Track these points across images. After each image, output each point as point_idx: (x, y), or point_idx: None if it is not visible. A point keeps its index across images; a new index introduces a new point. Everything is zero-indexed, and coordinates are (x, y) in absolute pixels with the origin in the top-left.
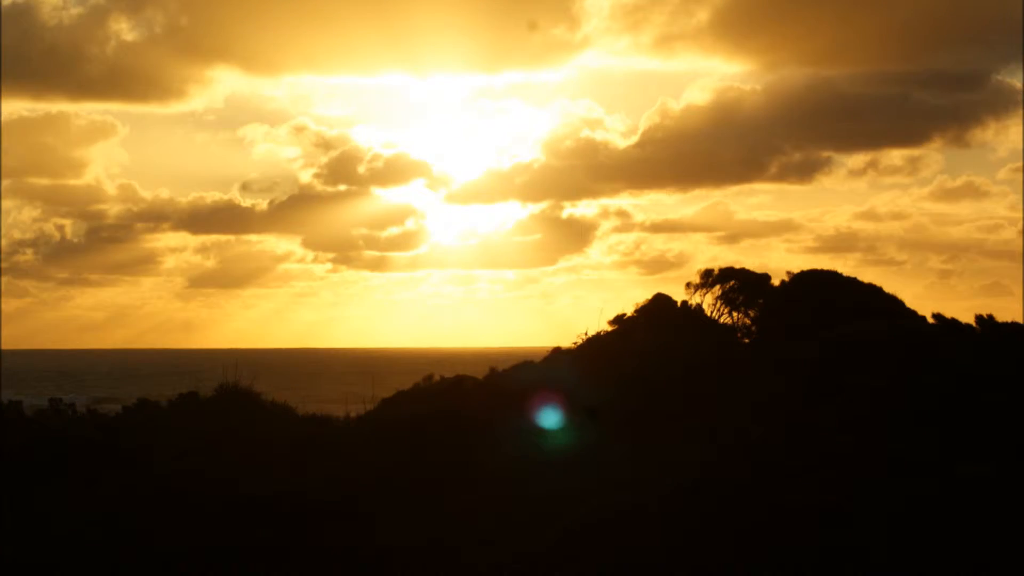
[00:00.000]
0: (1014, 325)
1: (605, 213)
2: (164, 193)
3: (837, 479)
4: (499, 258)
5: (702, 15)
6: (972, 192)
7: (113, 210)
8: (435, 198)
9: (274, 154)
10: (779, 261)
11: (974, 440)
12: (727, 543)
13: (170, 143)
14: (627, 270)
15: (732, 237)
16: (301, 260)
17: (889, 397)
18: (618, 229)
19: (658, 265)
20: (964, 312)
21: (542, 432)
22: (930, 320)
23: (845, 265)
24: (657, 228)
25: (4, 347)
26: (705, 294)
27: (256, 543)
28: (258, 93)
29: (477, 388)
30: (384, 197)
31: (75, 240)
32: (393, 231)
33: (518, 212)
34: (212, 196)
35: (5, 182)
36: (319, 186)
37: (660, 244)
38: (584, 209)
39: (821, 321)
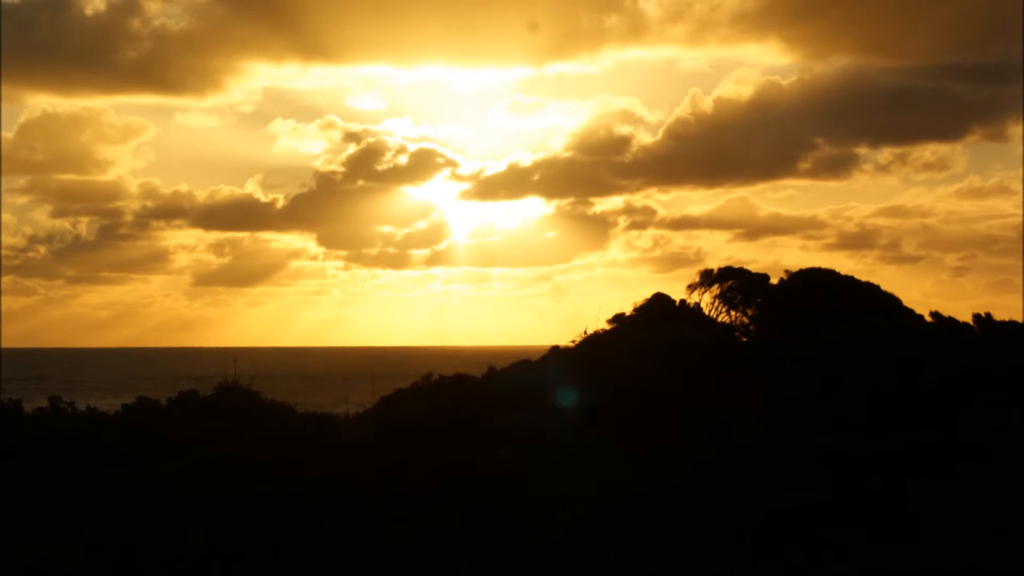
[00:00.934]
0: (1012, 324)
1: (626, 209)
2: (183, 189)
3: (835, 479)
4: (516, 256)
5: (737, 8)
6: (1002, 189)
7: (129, 207)
8: (456, 194)
9: (299, 149)
10: (794, 259)
11: (973, 439)
12: (727, 543)
13: (194, 138)
14: (644, 268)
15: (753, 234)
16: (315, 257)
17: (887, 396)
18: (638, 226)
19: (675, 263)
20: (974, 310)
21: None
22: (928, 319)
23: (862, 262)
24: (678, 225)
25: (9, 345)
26: (704, 293)
27: (256, 542)
28: (290, 87)
29: (475, 387)
30: (404, 193)
31: (88, 237)
32: (410, 228)
33: (538, 209)
34: (231, 192)
35: (23, 179)
36: (339, 182)
37: (680, 241)
38: (606, 205)
39: (819, 320)
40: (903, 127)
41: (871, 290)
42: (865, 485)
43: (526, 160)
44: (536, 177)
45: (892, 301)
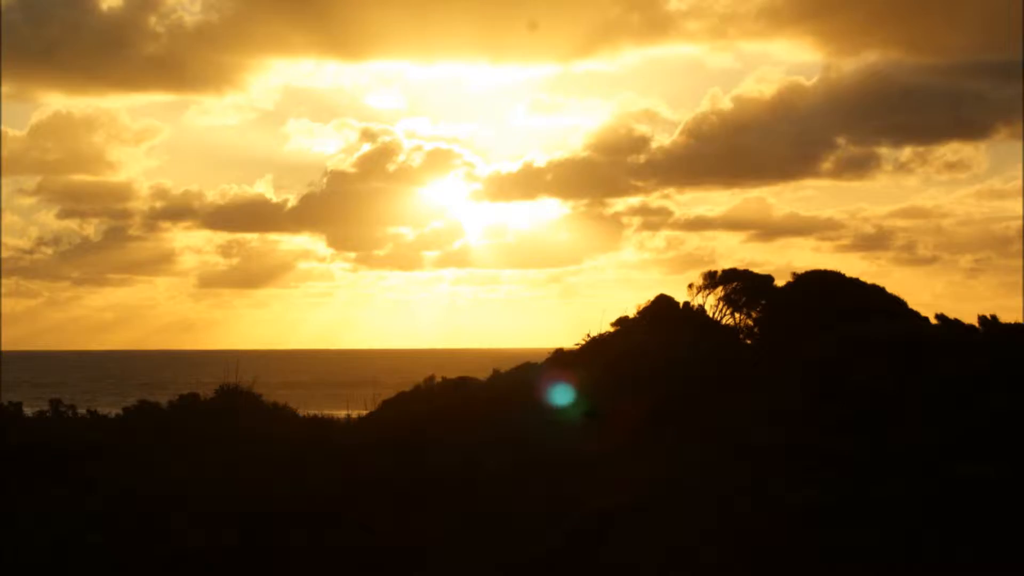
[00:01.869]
0: (1016, 326)
1: (641, 210)
2: (193, 188)
3: (838, 479)
4: (530, 257)
5: (763, 6)
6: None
7: (137, 207)
8: (471, 195)
9: (313, 149)
10: (807, 260)
11: (975, 440)
12: (727, 543)
13: (206, 137)
14: (658, 269)
15: (768, 235)
16: (324, 259)
17: (890, 397)
18: (654, 227)
19: (689, 264)
20: (985, 312)
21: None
22: (933, 321)
23: (876, 263)
24: (693, 226)
25: (11, 348)
26: (708, 295)
27: (257, 544)
28: (307, 85)
29: (479, 389)
30: (417, 194)
31: (96, 238)
32: (422, 229)
33: (554, 210)
34: (242, 193)
35: (35, 179)
36: (352, 182)
37: (695, 242)
38: (621, 206)
39: (823, 322)
40: (925, 126)
41: (877, 292)
42: (869, 486)
43: (542, 160)
44: (551, 177)
45: (897, 303)
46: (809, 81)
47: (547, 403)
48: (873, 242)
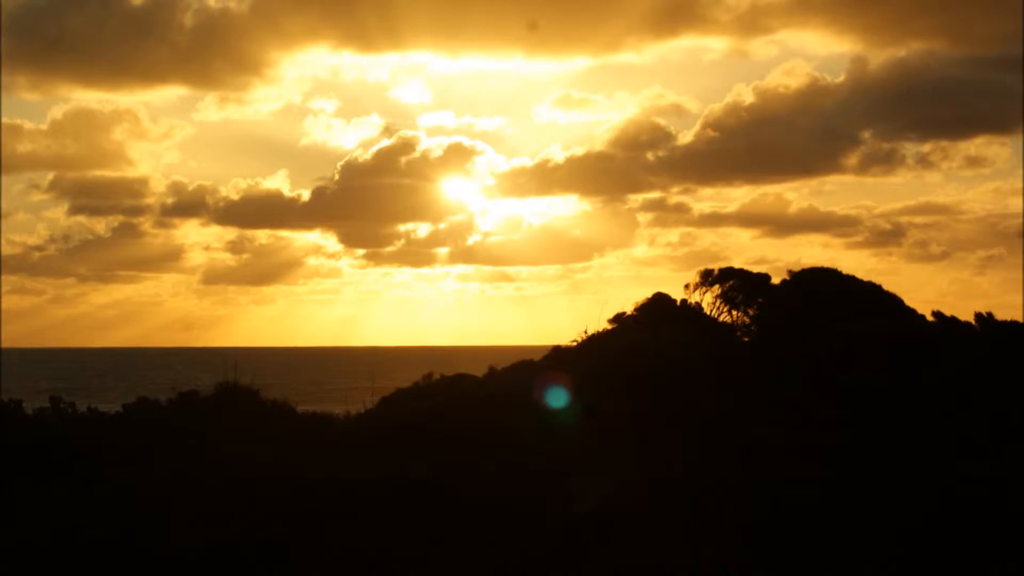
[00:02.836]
0: (1013, 324)
1: (658, 206)
2: (207, 184)
3: (837, 478)
4: (542, 253)
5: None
6: None
7: (150, 203)
8: (488, 191)
9: (332, 143)
10: (816, 257)
11: (973, 438)
12: (727, 542)
13: (223, 132)
14: (673, 265)
15: (781, 232)
16: (334, 255)
17: (888, 395)
18: (670, 223)
19: (702, 261)
20: (990, 309)
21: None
22: (930, 318)
23: (886, 260)
24: (708, 222)
25: (15, 345)
26: (705, 293)
27: (256, 542)
28: (328, 78)
29: (475, 386)
30: (433, 190)
31: (106, 235)
32: (437, 225)
33: (570, 206)
34: (257, 188)
35: (48, 175)
36: (369, 177)
37: (709, 239)
38: (638, 202)
39: (820, 320)
40: (951, 120)
41: (872, 290)
42: (868, 486)
43: (562, 156)
44: (570, 173)
45: (893, 301)
46: (834, 72)
47: (543, 401)
48: (886, 238)
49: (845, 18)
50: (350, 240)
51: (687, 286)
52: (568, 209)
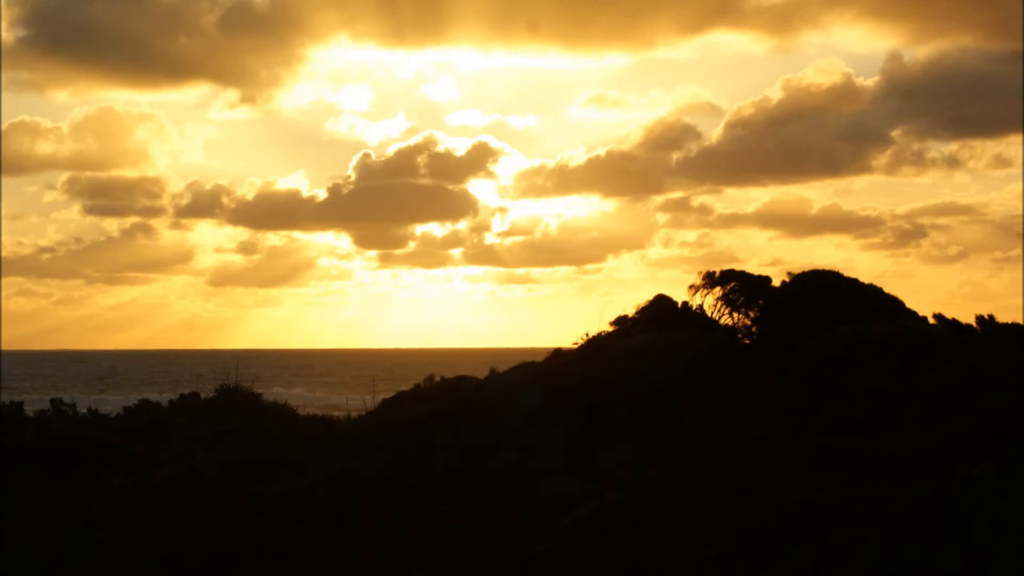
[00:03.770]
0: (1014, 326)
1: (680, 207)
2: (223, 183)
3: (837, 479)
4: (561, 255)
5: None
6: None
7: (164, 204)
8: (511, 191)
9: (356, 142)
10: (828, 259)
11: (974, 440)
12: (727, 544)
13: (241, 132)
14: (683, 267)
15: (802, 233)
16: (347, 256)
17: (889, 397)
18: (688, 225)
19: (718, 262)
20: (999, 311)
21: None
22: (931, 320)
23: (901, 262)
24: (728, 223)
25: (20, 348)
26: (706, 295)
27: (256, 544)
28: (353, 75)
29: (476, 389)
30: (454, 190)
31: (117, 236)
32: (451, 227)
33: (593, 206)
34: (275, 188)
35: (63, 175)
36: (391, 177)
37: (727, 240)
38: (660, 203)
39: (821, 322)
40: (983, 119)
41: (874, 292)
42: (868, 487)
43: (588, 155)
44: (593, 173)
45: (895, 303)
46: (866, 70)
47: (541, 402)
48: (906, 239)
49: (886, 14)
50: (365, 241)
51: (691, 287)
52: (588, 210)
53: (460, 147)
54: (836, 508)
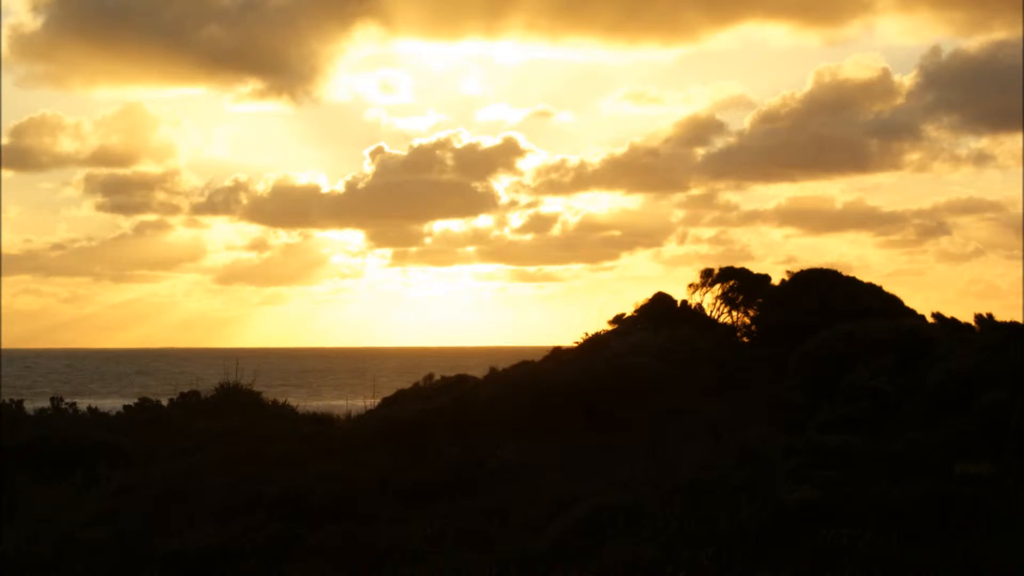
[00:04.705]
0: (1013, 324)
1: (702, 203)
2: (242, 178)
3: (835, 477)
4: (580, 251)
5: None
6: None
7: (181, 202)
8: (524, 189)
9: (373, 138)
10: (842, 257)
11: (972, 439)
12: (727, 543)
13: (261, 127)
14: (697, 264)
15: (824, 230)
16: (360, 254)
17: (887, 396)
18: (703, 222)
19: (735, 260)
20: (1004, 310)
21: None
22: (930, 319)
23: (915, 260)
24: (747, 220)
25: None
26: (705, 293)
27: (256, 543)
28: (378, 70)
29: (476, 387)
30: (476, 187)
31: (130, 233)
32: (468, 225)
33: (616, 202)
34: (293, 185)
35: (80, 172)
36: (402, 175)
37: (745, 238)
38: (681, 200)
39: (820, 320)
40: (1014, 114)
41: (873, 291)
42: (866, 485)
43: (606, 153)
44: (619, 169)
45: (893, 301)
46: (902, 65)
47: (540, 401)
48: (924, 236)
49: (927, 9)
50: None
51: (690, 285)
52: (608, 206)
53: (485, 142)
54: (835, 506)
